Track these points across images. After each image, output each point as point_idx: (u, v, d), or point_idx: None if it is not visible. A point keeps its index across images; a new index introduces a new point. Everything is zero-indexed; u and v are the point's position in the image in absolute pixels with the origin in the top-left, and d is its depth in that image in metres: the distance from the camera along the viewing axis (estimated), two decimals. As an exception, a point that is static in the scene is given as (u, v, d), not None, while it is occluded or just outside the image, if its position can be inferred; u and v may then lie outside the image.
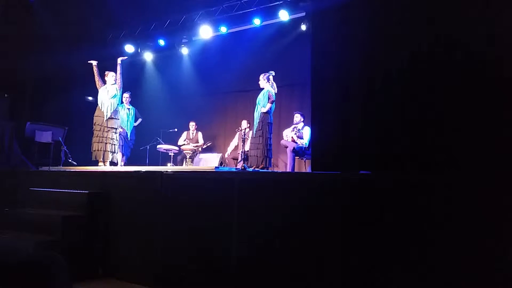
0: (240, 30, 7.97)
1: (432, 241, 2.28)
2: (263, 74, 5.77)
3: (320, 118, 3.49)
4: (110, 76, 5.93)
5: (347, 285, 2.50)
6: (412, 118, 2.89)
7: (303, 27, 7.25)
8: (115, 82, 5.91)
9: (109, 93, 5.82)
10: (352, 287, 2.49)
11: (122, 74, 5.98)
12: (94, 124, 5.78)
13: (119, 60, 5.99)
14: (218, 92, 8.71)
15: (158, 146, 7.59)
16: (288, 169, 6.00)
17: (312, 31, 3.91)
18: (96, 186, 4.03)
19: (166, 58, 9.10)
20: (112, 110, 5.79)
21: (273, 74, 5.79)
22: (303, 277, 2.66)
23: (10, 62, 6.73)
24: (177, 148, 7.65)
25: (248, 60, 7.73)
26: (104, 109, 5.75)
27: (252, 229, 2.95)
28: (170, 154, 7.54)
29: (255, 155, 5.53)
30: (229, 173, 4.08)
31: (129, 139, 7.05)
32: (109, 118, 5.76)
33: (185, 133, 7.95)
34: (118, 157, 6.15)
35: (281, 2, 6.76)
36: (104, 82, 5.92)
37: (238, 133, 7.13)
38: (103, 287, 3.49)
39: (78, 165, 6.07)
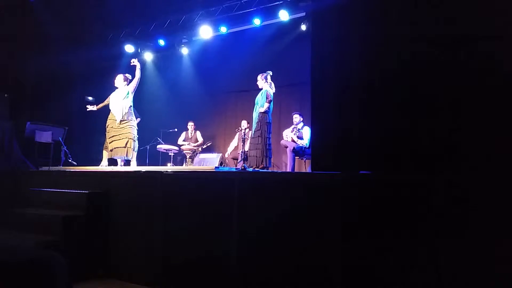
0: (240, 30, 7.98)
1: (432, 241, 2.28)
2: (261, 74, 5.76)
3: (320, 118, 3.48)
4: (119, 78, 5.72)
5: (347, 285, 2.50)
6: (412, 118, 2.88)
7: (303, 27, 7.26)
8: (128, 83, 5.69)
9: (120, 95, 5.59)
10: (352, 287, 2.49)
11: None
12: (107, 127, 5.61)
13: (137, 63, 5.72)
14: (218, 92, 8.71)
15: (158, 146, 7.60)
16: (288, 169, 6.00)
17: (312, 31, 3.91)
18: (96, 186, 4.03)
19: (166, 58, 9.11)
20: (124, 112, 5.52)
21: (271, 73, 5.78)
22: (303, 277, 2.66)
23: (10, 62, 6.73)
24: (177, 148, 7.66)
25: (248, 60, 7.73)
26: (115, 113, 5.54)
27: (252, 229, 2.95)
28: (170, 154, 7.54)
29: (255, 155, 5.52)
30: (229, 173, 4.08)
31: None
32: (121, 120, 5.52)
33: (184, 133, 7.96)
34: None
35: (281, 2, 6.76)
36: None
37: (238, 133, 7.13)
38: (103, 287, 3.49)
39: (78, 165, 6.06)
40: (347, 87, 3.32)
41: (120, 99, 5.61)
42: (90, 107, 5.83)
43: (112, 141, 5.55)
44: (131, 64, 5.80)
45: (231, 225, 3.02)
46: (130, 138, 5.54)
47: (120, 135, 5.53)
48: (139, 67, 5.75)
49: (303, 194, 2.78)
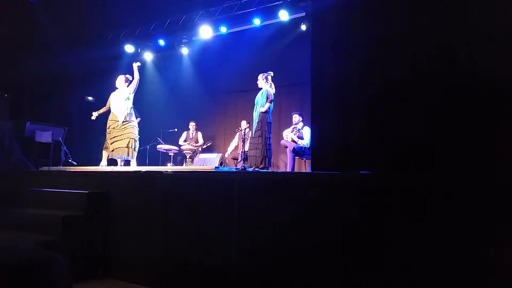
0: (240, 30, 7.98)
1: (432, 241, 2.29)
2: (262, 74, 5.77)
3: (320, 118, 3.49)
4: (120, 79, 5.75)
5: (347, 285, 2.50)
6: (412, 118, 2.89)
7: (303, 27, 7.25)
8: (128, 84, 5.74)
9: (121, 96, 5.65)
10: (352, 287, 2.49)
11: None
12: (108, 128, 5.63)
13: (135, 66, 5.76)
14: (218, 92, 8.71)
15: (158, 146, 7.60)
16: (288, 169, 6.00)
17: (312, 31, 3.91)
18: (96, 186, 4.03)
19: (166, 58, 9.11)
20: (126, 113, 5.61)
21: (272, 74, 5.79)
22: (303, 277, 2.66)
23: (10, 62, 6.73)
24: (177, 148, 7.66)
25: (248, 60, 7.73)
26: (117, 114, 5.59)
27: (252, 229, 2.95)
28: (170, 154, 7.54)
29: (254, 155, 5.52)
30: (229, 173, 4.08)
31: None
32: (123, 121, 5.59)
33: (185, 133, 7.96)
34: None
35: (281, 2, 6.76)
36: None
37: (238, 133, 7.13)
38: (103, 287, 3.49)
39: (78, 165, 6.06)
40: (347, 87, 3.32)
41: (122, 100, 5.65)
42: (93, 116, 5.80)
43: (114, 142, 5.58)
44: (136, 65, 5.83)
45: (231, 225, 3.02)
46: (132, 138, 5.60)
47: (122, 135, 5.57)
48: (137, 68, 5.76)
49: (303, 194, 2.78)
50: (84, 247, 3.63)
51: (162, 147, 7.56)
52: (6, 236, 3.67)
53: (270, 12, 7.02)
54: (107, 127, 5.67)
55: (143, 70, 9.19)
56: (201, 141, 7.91)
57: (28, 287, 1.52)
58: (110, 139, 5.60)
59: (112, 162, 5.89)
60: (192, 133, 7.95)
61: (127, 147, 5.55)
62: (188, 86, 8.96)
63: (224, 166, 6.78)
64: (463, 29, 2.76)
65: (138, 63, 5.87)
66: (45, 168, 5.50)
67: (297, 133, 6.21)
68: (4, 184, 4.87)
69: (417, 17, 2.99)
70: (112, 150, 5.58)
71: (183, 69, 9.07)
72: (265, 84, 5.70)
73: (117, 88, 5.78)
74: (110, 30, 8.38)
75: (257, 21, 7.14)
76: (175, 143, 7.82)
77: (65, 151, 6.00)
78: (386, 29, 3.15)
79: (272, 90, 5.71)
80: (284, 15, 6.91)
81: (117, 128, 5.59)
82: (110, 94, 5.81)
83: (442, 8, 2.86)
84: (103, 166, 5.67)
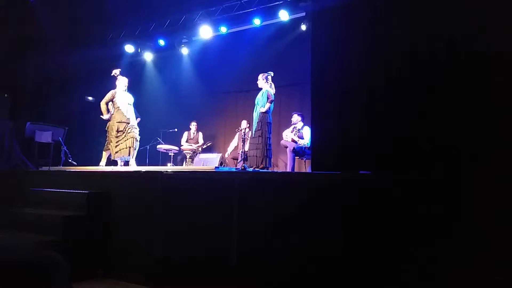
0: (240, 30, 7.97)
1: (432, 241, 2.29)
2: (262, 74, 5.77)
3: (320, 118, 3.49)
4: (125, 81, 5.84)
5: (347, 285, 2.50)
6: (412, 118, 2.89)
7: (303, 27, 7.25)
8: (127, 88, 5.86)
9: (128, 99, 5.81)
10: (351, 286, 2.49)
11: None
12: (117, 131, 5.66)
13: (117, 74, 5.84)
14: (218, 92, 8.71)
15: (158, 146, 7.59)
16: (288, 169, 6.00)
17: (312, 31, 3.91)
18: (96, 186, 4.03)
19: (166, 58, 9.10)
20: (136, 116, 5.89)
21: (272, 74, 5.80)
22: (303, 277, 2.66)
23: (10, 62, 6.73)
24: (177, 148, 7.66)
25: (248, 60, 7.73)
26: (129, 116, 5.75)
27: (252, 229, 2.95)
28: (170, 154, 7.55)
29: (255, 155, 5.52)
30: (229, 173, 4.08)
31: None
32: (128, 123, 5.75)
33: (186, 133, 7.96)
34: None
35: (281, 2, 6.75)
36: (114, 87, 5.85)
37: (238, 133, 7.13)
38: (103, 287, 3.49)
39: (78, 165, 6.06)
40: (346, 87, 3.32)
41: (131, 103, 5.83)
42: (105, 116, 5.79)
43: (120, 143, 5.63)
44: (114, 75, 5.89)
45: (231, 225, 3.02)
46: (134, 138, 5.73)
47: (126, 136, 5.69)
48: (119, 74, 5.85)
49: (303, 194, 2.78)
50: (84, 247, 3.63)
51: (162, 147, 7.56)
52: (6, 236, 3.67)
53: (270, 12, 7.01)
54: (116, 129, 5.65)
55: (143, 70, 9.22)
56: (201, 141, 7.92)
57: (28, 287, 1.52)
58: (117, 142, 5.63)
59: (111, 162, 5.88)
60: (193, 133, 7.95)
61: (130, 146, 5.64)
62: (188, 86, 8.96)
63: (224, 166, 6.77)
64: (463, 28, 2.76)
65: (117, 69, 5.93)
66: (45, 168, 5.50)
67: (297, 133, 6.21)
68: (4, 184, 4.87)
69: (417, 16, 2.99)
70: (116, 152, 5.62)
71: (183, 69, 9.06)
72: (265, 84, 5.70)
73: (116, 87, 5.79)
74: (110, 30, 8.37)
75: (257, 21, 7.14)
76: (175, 143, 7.82)
77: (65, 151, 5.99)
78: (386, 29, 3.15)
79: (272, 90, 5.71)
80: (284, 15, 6.91)
81: (124, 131, 5.69)
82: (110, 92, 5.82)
83: (442, 8, 2.86)
84: (103, 166, 5.67)
